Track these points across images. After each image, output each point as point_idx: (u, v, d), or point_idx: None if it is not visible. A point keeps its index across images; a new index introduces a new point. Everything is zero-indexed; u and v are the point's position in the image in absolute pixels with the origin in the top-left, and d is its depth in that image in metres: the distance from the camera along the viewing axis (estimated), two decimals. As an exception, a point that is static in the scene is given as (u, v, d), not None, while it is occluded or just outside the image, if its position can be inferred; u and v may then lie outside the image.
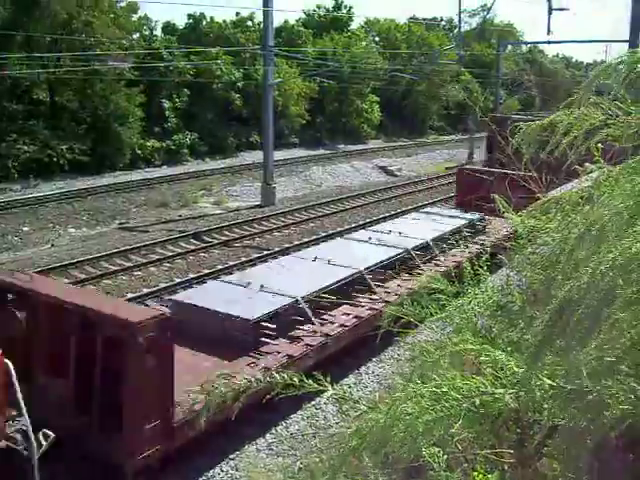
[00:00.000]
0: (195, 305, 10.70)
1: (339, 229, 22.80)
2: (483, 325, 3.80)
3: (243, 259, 18.68)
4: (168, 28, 44.03)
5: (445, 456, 2.99)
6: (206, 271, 17.46)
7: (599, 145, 3.35)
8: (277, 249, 19.78)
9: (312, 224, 24.27)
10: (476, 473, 3.42)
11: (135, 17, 38.62)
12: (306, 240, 21.00)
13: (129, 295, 15.39)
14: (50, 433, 6.48)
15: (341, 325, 11.08)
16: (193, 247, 20.00)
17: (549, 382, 2.78)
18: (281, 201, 28.13)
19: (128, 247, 19.37)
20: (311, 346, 10.28)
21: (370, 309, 11.61)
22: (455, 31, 60.52)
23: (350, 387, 11.08)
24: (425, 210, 20.35)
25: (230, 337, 9.93)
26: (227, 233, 21.96)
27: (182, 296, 11.85)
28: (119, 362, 7.52)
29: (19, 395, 6.47)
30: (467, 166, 26.85)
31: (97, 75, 31.17)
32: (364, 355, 12.04)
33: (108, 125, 32.34)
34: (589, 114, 3.06)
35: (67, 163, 30.10)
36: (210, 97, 39.00)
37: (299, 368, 9.39)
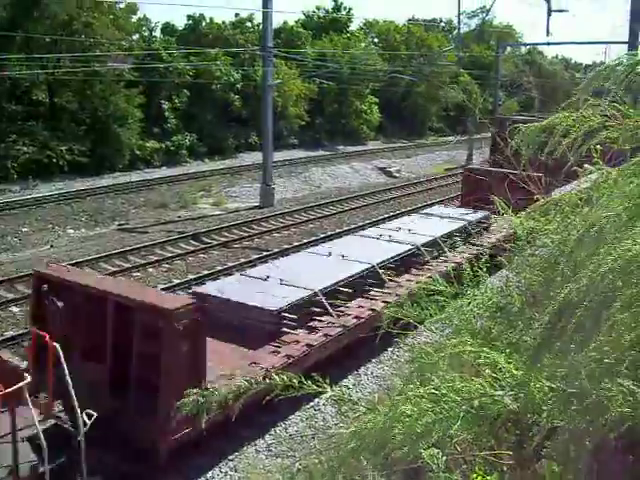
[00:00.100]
0: (217, 297, 11.03)
1: (338, 230, 22.80)
2: (482, 326, 3.80)
3: (242, 260, 18.66)
4: (167, 29, 44.03)
5: (444, 457, 2.99)
6: (205, 272, 17.45)
7: (598, 147, 3.36)
8: (276, 250, 19.77)
9: (311, 225, 24.27)
10: (475, 474, 3.42)
11: (134, 18, 38.65)
12: (305, 241, 21.00)
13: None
14: (93, 412, 6.77)
15: (356, 317, 11.44)
16: (192, 248, 19.99)
17: (548, 384, 2.79)
18: (280, 202, 28.13)
19: (127, 248, 19.37)
20: (330, 336, 10.69)
21: (383, 302, 11.86)
22: (454, 32, 60.60)
23: (349, 388, 11.09)
24: (433, 208, 20.84)
25: (252, 327, 10.36)
26: (226, 234, 21.95)
27: (204, 288, 12.19)
28: (154, 347, 7.89)
29: (67, 376, 6.72)
30: (473, 166, 27.08)
31: (97, 76, 31.18)
32: (363, 356, 12.06)
33: (107, 126, 32.34)
34: (588, 116, 3.07)
35: (66, 164, 30.09)
36: (209, 98, 39.00)
37: (318, 357, 10.28)
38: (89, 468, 6.68)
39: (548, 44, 40.47)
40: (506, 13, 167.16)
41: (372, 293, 12.50)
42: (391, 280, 12.88)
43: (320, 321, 11.10)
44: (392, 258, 13.68)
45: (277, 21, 48.84)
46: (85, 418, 6.70)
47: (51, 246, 20.54)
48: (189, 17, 44.32)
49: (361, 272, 12.67)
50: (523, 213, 4.29)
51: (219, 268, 17.85)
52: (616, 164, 3.51)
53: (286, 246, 20.42)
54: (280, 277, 11.87)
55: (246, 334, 10.12)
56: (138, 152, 34.11)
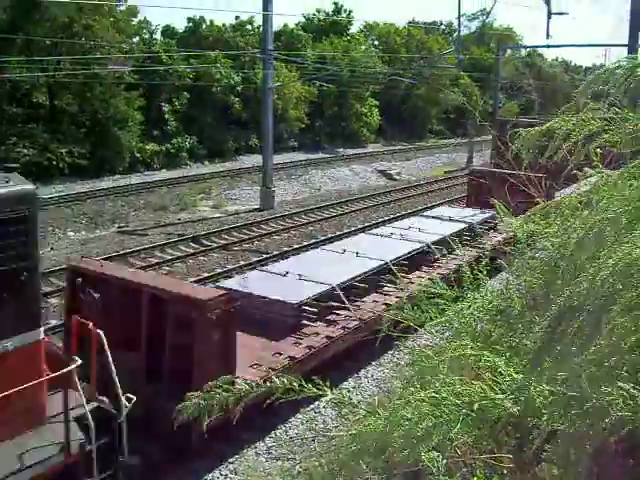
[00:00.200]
0: (239, 291, 11.30)
1: (338, 233, 22.80)
2: (482, 330, 3.80)
3: (242, 263, 18.66)
4: (168, 32, 44.07)
5: (444, 461, 2.98)
6: (205, 275, 17.44)
7: (598, 150, 3.36)
8: (276, 252, 19.76)
9: (311, 228, 24.27)
10: (475, 478, 3.42)
11: (135, 21, 38.68)
12: (305, 243, 21.00)
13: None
14: (132, 397, 7.03)
15: (371, 311, 11.74)
16: (192, 251, 19.99)
17: (549, 388, 2.78)
18: (280, 205, 28.14)
19: (127, 250, 19.37)
20: (348, 329, 11.10)
21: (397, 297, 12.03)
22: (454, 35, 60.57)
23: (349, 391, 11.08)
24: (440, 209, 21.52)
25: (274, 320, 10.81)
26: (226, 237, 21.94)
27: (226, 283, 12.55)
28: (187, 337, 8.33)
29: (110, 362, 7.02)
30: (478, 168, 27.61)
31: (97, 79, 31.22)
32: (364, 359, 12.07)
33: (107, 129, 32.37)
34: (587, 120, 3.07)
35: (66, 166, 30.11)
36: (209, 100, 39.04)
37: (337, 349, 10.87)
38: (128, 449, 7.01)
39: (548, 47, 40.39)
40: (506, 16, 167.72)
41: (385, 289, 12.95)
42: (403, 277, 13.28)
43: (338, 314, 11.55)
44: (404, 255, 14.27)
45: (277, 24, 48.99)
46: (125, 402, 6.99)
47: (51, 248, 20.53)
48: (189, 20, 44.47)
49: (375, 268, 13.21)
50: (525, 214, 4.30)
51: (219, 271, 17.84)
52: (616, 167, 3.51)
53: (286, 248, 20.41)
54: (299, 272, 12.42)
55: (268, 326, 10.60)
56: (138, 155, 34.14)
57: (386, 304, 11.86)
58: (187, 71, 37.22)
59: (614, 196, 3.04)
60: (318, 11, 58.18)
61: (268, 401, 3.53)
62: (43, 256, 19.30)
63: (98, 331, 7.10)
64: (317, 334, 10.83)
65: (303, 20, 54.53)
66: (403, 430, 2.82)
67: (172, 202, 27.58)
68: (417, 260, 14.50)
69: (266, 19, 26.28)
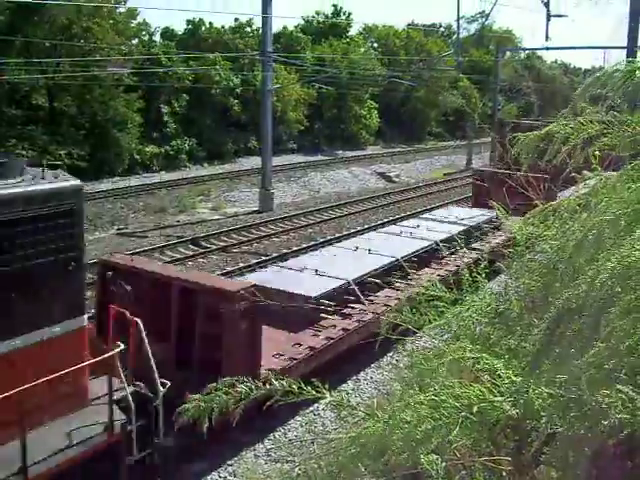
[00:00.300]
0: (258, 285, 11.45)
1: (337, 235, 22.79)
2: (481, 332, 3.80)
3: (241, 265, 18.65)
4: (167, 34, 44.07)
5: (443, 463, 2.99)
6: (204, 277, 17.43)
7: (597, 153, 3.37)
8: (275, 255, 19.75)
9: (310, 230, 24.25)
10: (474, 480, 3.42)
11: (134, 23, 38.66)
12: (304, 246, 20.99)
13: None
14: (167, 382, 7.47)
15: (385, 305, 12.02)
16: (191, 253, 19.98)
17: (547, 390, 2.79)
18: (279, 207, 28.12)
19: (126, 252, 19.33)
20: (362, 322, 11.52)
21: (407, 293, 12.28)
22: (454, 37, 60.61)
23: (348, 393, 11.07)
24: (447, 208, 22.39)
25: (293, 312, 11.08)
26: (225, 239, 21.93)
27: (245, 278, 13.18)
28: (216, 327, 8.76)
29: (148, 348, 7.49)
30: (483, 168, 28.27)
31: (96, 81, 31.19)
32: (363, 361, 12.07)
33: (107, 130, 32.35)
34: (586, 124, 3.08)
35: (66, 168, 30.00)
36: (209, 103, 39.04)
37: (352, 341, 11.24)
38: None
39: (547, 49, 40.40)
40: (505, 18, 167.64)
41: (397, 285, 13.39)
42: (414, 273, 13.92)
43: (353, 308, 12.04)
44: (414, 253, 14.89)
45: (276, 26, 48.86)
46: (160, 387, 7.42)
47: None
48: (188, 22, 44.44)
49: (387, 264, 13.79)
50: (524, 217, 4.30)
51: (218, 272, 17.82)
52: (615, 169, 3.51)
53: (285, 251, 20.40)
54: (315, 268, 12.97)
55: (287, 319, 10.94)
56: (137, 157, 34.12)
57: (398, 299, 12.06)
58: (186, 73, 37.21)
59: (613, 199, 3.04)
60: (317, 13, 58.29)
61: (268, 403, 3.53)
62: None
63: (136, 319, 7.59)
64: (334, 326, 11.35)
65: (302, 22, 54.56)
66: (402, 433, 2.83)
67: (171, 204, 27.56)
68: (426, 257, 15.08)
69: (265, 21, 26.30)
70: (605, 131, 3.10)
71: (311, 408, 10.30)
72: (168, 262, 18.72)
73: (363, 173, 38.72)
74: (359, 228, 23.79)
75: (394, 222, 22.67)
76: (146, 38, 40.73)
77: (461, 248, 15.52)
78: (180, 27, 53.65)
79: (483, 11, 49.96)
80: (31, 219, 6.49)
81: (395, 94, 53.30)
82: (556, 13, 35.47)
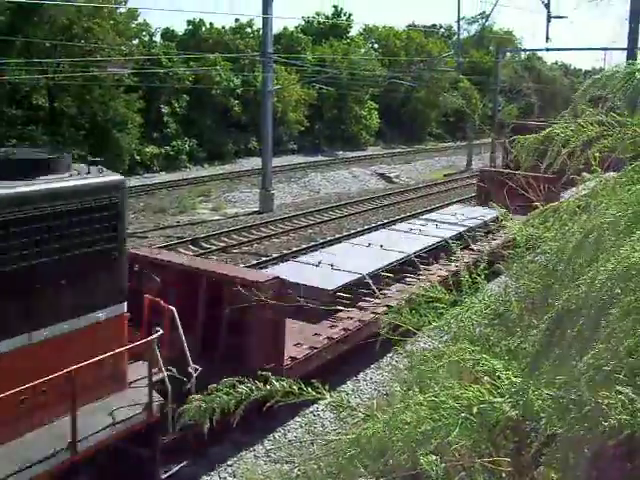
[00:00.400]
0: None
1: (337, 235, 22.79)
2: (481, 333, 3.80)
3: (241, 265, 18.63)
4: (167, 34, 44.06)
5: (443, 464, 2.99)
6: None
7: (597, 155, 3.37)
8: (275, 255, 19.75)
9: (310, 230, 24.25)
10: (474, 481, 3.42)
11: (135, 23, 38.64)
12: (304, 246, 20.98)
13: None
14: (198, 367, 7.92)
15: (397, 299, 12.14)
16: (191, 253, 19.95)
17: (547, 391, 2.79)
18: (279, 207, 28.12)
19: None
20: (377, 314, 11.48)
21: (418, 288, 12.50)
22: (454, 38, 60.64)
23: (348, 394, 11.07)
24: (453, 207, 22.89)
25: (311, 305, 11.46)
26: (225, 239, 21.92)
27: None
28: (242, 316, 9.07)
29: (182, 335, 7.97)
30: (488, 168, 28.88)
31: (96, 81, 31.18)
32: (362, 362, 12.07)
33: (107, 131, 32.31)
34: (586, 126, 3.08)
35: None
36: (209, 103, 39.03)
37: (368, 332, 11.14)
38: None
39: (547, 50, 40.49)
40: (506, 19, 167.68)
41: (408, 279, 14.10)
42: (425, 268, 14.69)
43: (367, 301, 12.55)
44: (424, 249, 15.50)
45: (277, 27, 48.88)
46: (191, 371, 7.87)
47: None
48: (189, 22, 44.43)
49: (399, 260, 14.41)
50: (525, 218, 4.31)
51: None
52: (616, 170, 3.52)
53: (285, 251, 20.39)
54: (330, 263, 13.47)
55: (305, 311, 10.99)
56: (137, 157, 34.10)
57: (410, 293, 12.34)
58: (187, 74, 37.21)
59: (612, 200, 3.05)
60: (318, 14, 58.28)
61: (268, 404, 3.53)
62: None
63: (171, 307, 8.06)
64: (350, 318, 11.81)
65: (303, 23, 54.56)
66: (402, 434, 2.83)
67: (171, 205, 27.55)
68: (436, 254, 15.67)
69: (266, 22, 26.30)
70: (605, 133, 3.10)
71: (311, 409, 10.30)
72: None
73: (363, 174, 38.71)
74: (359, 229, 23.80)
75: (394, 222, 22.71)
76: (146, 39, 40.72)
77: (468, 245, 16.10)
78: (180, 28, 53.59)
79: (483, 12, 49.89)
80: (80, 211, 6.96)
81: (395, 95, 53.28)
82: (556, 14, 35.55)
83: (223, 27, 45.03)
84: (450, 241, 15.20)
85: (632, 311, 2.72)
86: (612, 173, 3.58)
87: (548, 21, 35.02)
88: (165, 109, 36.98)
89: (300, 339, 10.79)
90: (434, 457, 2.92)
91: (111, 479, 7.40)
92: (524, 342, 3.46)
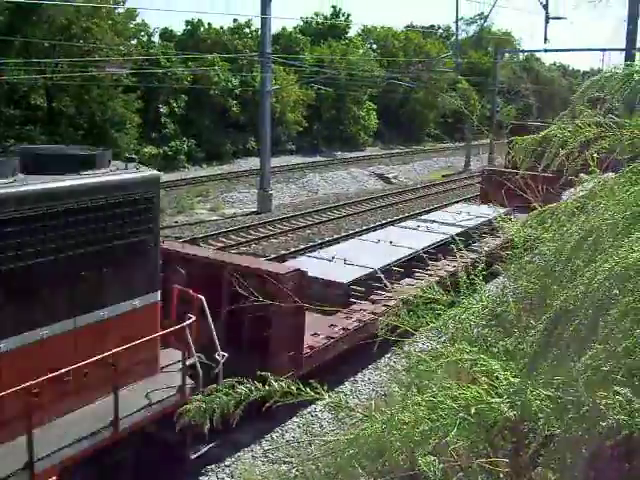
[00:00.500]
0: None
1: (336, 236, 22.78)
2: (479, 334, 3.80)
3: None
4: (166, 34, 44.02)
5: (441, 465, 2.99)
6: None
7: (595, 155, 3.37)
8: (274, 255, 19.73)
9: (308, 231, 24.24)
10: (472, 482, 3.42)
11: (133, 23, 38.61)
12: (302, 247, 20.98)
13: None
14: (224, 353, 8.32)
15: (407, 293, 12.44)
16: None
17: (545, 392, 2.79)
18: (278, 208, 28.11)
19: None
20: (389, 307, 11.82)
21: (427, 282, 12.84)
22: (452, 39, 60.65)
23: (346, 395, 11.07)
24: (458, 205, 23.23)
25: (326, 297, 11.85)
26: (223, 240, 21.89)
27: None
28: (264, 307, 8.98)
29: (211, 323, 8.37)
30: (491, 168, 29.04)
31: (94, 81, 31.15)
32: (360, 362, 12.07)
33: (105, 131, 32.26)
34: (584, 127, 3.08)
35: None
36: (207, 103, 39.00)
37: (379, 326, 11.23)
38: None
39: (546, 51, 40.49)
40: (504, 20, 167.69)
41: (417, 274, 14.61)
42: (432, 264, 15.15)
43: (379, 294, 12.91)
44: (431, 245, 16.07)
45: (275, 27, 48.93)
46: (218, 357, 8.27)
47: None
48: (187, 22, 44.37)
49: (408, 255, 14.91)
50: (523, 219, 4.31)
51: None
52: (614, 171, 3.52)
53: (283, 252, 20.38)
54: (343, 258, 13.95)
55: (320, 303, 11.44)
56: (136, 157, 34.03)
57: (419, 288, 12.56)
58: (185, 74, 37.16)
59: (611, 201, 3.05)
60: (316, 14, 58.24)
61: (267, 405, 3.53)
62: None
63: (200, 297, 8.42)
64: (364, 310, 12.18)
65: (301, 23, 54.54)
66: (400, 434, 2.83)
67: (169, 205, 27.51)
68: (443, 250, 16.05)
69: (264, 22, 26.29)
70: (603, 134, 3.11)
71: (309, 409, 10.30)
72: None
73: (361, 174, 38.72)
74: (357, 229, 23.80)
75: (392, 223, 22.73)
76: (145, 39, 40.68)
77: (474, 242, 16.72)
78: (179, 28, 53.67)
79: (482, 13, 50.05)
80: (121, 204, 7.40)
81: (394, 95, 53.29)
82: (555, 15, 35.60)
83: (221, 27, 45.01)
84: (456, 238, 15.65)
85: (630, 312, 2.72)
86: (610, 174, 3.59)
87: (546, 22, 35.06)
88: (163, 109, 36.95)
89: (317, 330, 11.12)
90: (432, 457, 2.92)
91: (144, 460, 7.77)
92: (522, 343, 3.46)
